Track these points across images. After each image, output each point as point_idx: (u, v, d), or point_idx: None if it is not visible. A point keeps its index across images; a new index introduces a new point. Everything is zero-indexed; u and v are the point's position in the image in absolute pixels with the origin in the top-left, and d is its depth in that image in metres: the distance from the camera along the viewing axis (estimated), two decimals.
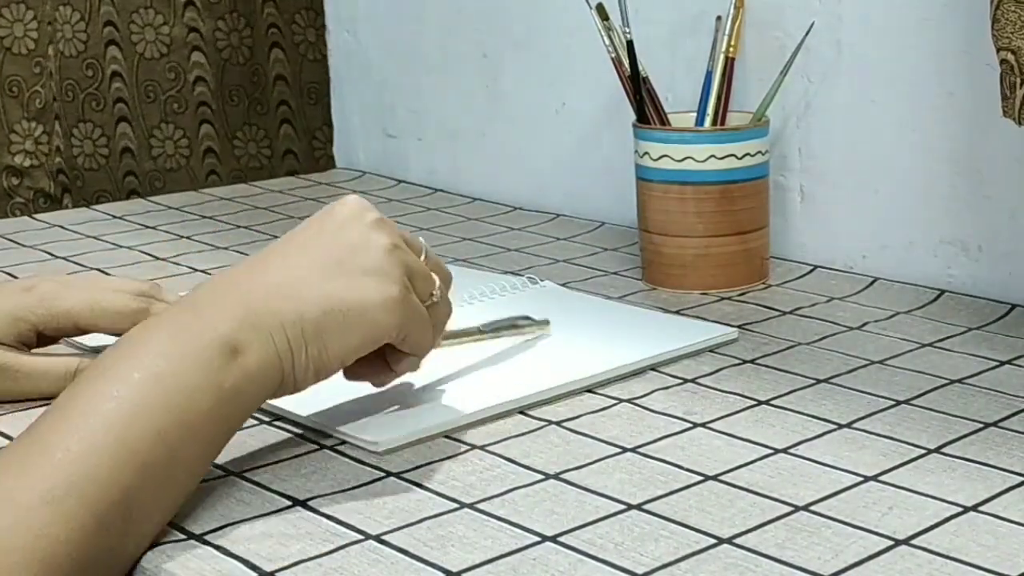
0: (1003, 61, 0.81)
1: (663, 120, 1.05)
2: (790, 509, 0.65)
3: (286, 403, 0.77)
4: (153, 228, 1.26)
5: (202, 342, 0.64)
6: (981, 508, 0.64)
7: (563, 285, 1.03)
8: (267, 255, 0.71)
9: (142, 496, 0.60)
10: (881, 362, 0.85)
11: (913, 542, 0.61)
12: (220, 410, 0.64)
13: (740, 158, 1.00)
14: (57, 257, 1.16)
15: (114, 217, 1.31)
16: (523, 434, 0.75)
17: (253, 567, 0.60)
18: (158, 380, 0.62)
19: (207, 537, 0.63)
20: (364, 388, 0.77)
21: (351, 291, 0.68)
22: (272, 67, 1.51)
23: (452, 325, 0.82)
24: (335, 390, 0.76)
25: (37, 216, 1.32)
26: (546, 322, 0.89)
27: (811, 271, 1.07)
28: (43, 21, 1.34)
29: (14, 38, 1.33)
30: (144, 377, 0.62)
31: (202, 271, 1.11)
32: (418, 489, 0.68)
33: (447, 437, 0.75)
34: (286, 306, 0.67)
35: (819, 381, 0.82)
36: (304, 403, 0.78)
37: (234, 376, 0.64)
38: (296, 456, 0.73)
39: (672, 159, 1.00)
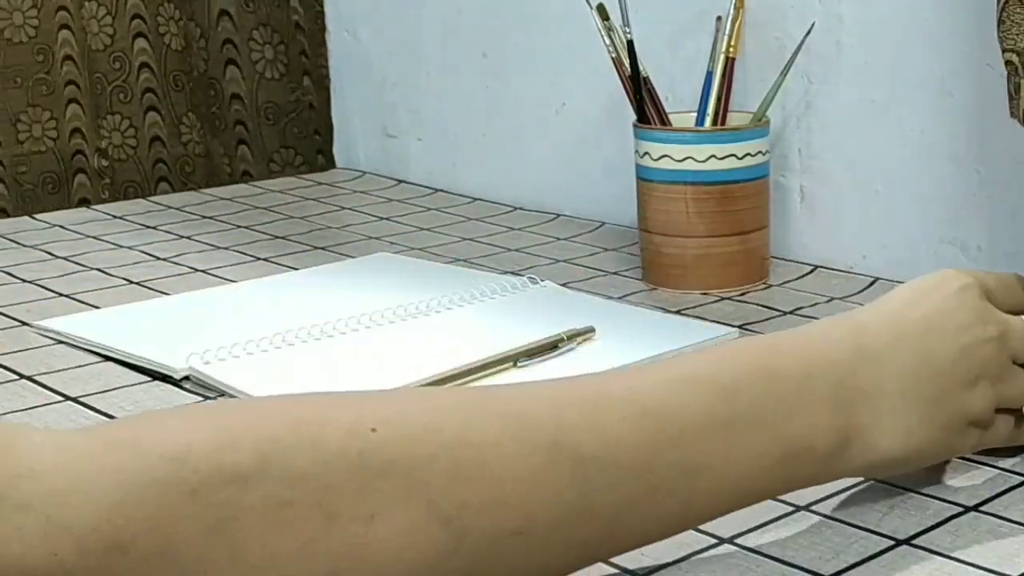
0: (1008, 62, 0.81)
1: (663, 120, 1.05)
2: (790, 509, 0.65)
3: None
4: (153, 228, 1.26)
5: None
6: (981, 508, 0.64)
7: (563, 285, 1.03)
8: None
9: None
10: None
11: (913, 542, 0.61)
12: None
13: (740, 158, 1.00)
14: (57, 257, 1.16)
15: (114, 217, 1.31)
16: None
17: None
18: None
19: None
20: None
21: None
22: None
23: (479, 350, 0.82)
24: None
25: (37, 216, 1.31)
26: (590, 329, 0.88)
27: (811, 271, 1.07)
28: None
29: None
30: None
31: (202, 271, 1.11)
32: None
33: None
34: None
35: None
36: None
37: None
38: None
39: (672, 159, 1.00)
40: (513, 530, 0.51)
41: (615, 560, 0.60)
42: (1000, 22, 0.81)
